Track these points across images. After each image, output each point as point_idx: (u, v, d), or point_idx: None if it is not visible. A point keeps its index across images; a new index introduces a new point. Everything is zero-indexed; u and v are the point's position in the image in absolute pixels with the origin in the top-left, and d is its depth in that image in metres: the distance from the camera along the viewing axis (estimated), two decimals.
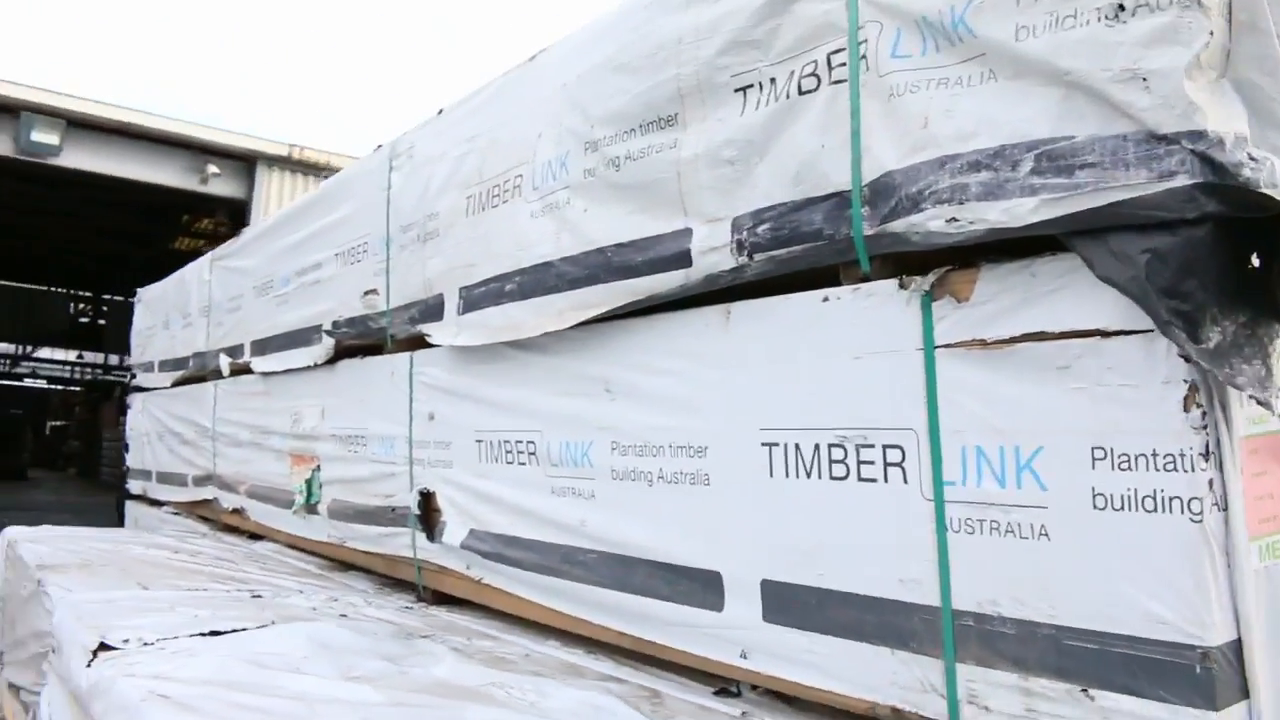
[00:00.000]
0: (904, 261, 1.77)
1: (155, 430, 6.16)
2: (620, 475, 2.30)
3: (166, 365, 5.98)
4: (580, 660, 2.37)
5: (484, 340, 2.71)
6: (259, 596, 3.01)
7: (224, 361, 4.78)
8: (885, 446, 1.76)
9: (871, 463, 1.78)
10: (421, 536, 3.10)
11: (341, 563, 3.76)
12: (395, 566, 3.32)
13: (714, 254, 2.05)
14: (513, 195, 2.68)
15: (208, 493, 5.12)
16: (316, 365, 3.80)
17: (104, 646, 2.21)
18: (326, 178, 11.93)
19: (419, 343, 3.20)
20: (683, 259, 2.11)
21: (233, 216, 11.71)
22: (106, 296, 22.97)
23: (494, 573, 2.75)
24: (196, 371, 5.38)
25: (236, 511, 4.68)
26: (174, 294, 5.98)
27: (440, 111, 3.19)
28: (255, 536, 4.65)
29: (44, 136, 9.91)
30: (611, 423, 2.33)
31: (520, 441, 2.64)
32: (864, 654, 1.79)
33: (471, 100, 3.00)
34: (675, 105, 2.14)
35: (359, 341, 3.57)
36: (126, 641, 2.26)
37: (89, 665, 2.14)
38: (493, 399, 2.77)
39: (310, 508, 3.82)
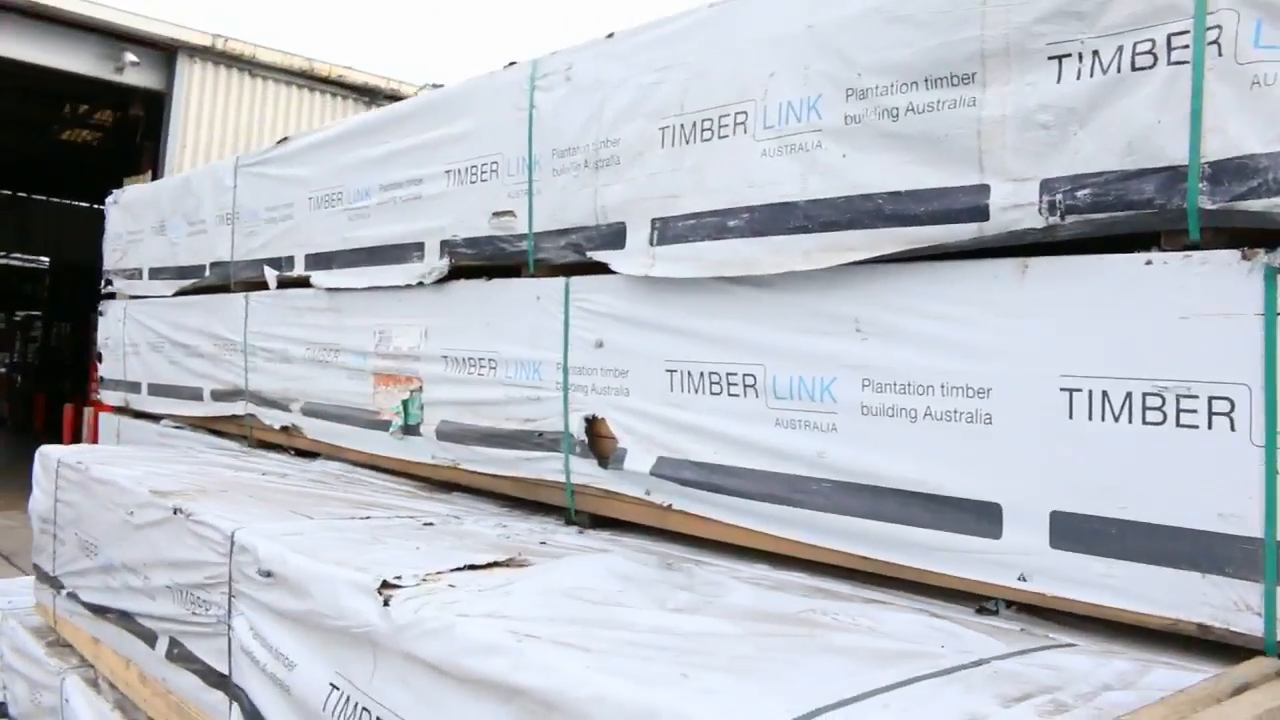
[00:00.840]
0: (1236, 232, 1.97)
1: (145, 340, 5.86)
2: (873, 411, 2.44)
3: (164, 273, 5.68)
4: (816, 582, 2.53)
5: (697, 273, 2.77)
6: (431, 524, 3.02)
7: (270, 274, 4.60)
8: (1211, 398, 1.96)
9: (1193, 411, 1.98)
10: (578, 461, 3.17)
11: (442, 484, 3.78)
12: (534, 489, 3.37)
13: (1016, 211, 2.19)
14: (733, 131, 2.72)
15: (236, 408, 4.96)
16: (422, 284, 3.74)
17: (387, 585, 2.20)
18: (253, 73, 11.33)
19: (571, 268, 3.23)
20: (976, 213, 2.24)
21: (149, 109, 10.93)
22: None
23: (688, 499, 2.86)
24: (215, 281, 5.14)
25: (285, 429, 4.57)
26: (173, 198, 5.65)
27: (610, 35, 3.16)
28: (303, 453, 4.57)
29: None
30: (863, 361, 2.46)
31: (734, 374, 2.74)
32: (1168, 577, 2.02)
33: (659, 29, 3.00)
34: (974, 65, 2.25)
35: (480, 263, 3.55)
36: (399, 578, 2.24)
37: (386, 604, 2.13)
38: (693, 330, 2.84)
39: (409, 429, 3.80)
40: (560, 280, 3.24)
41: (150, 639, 3.28)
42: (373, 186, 4.03)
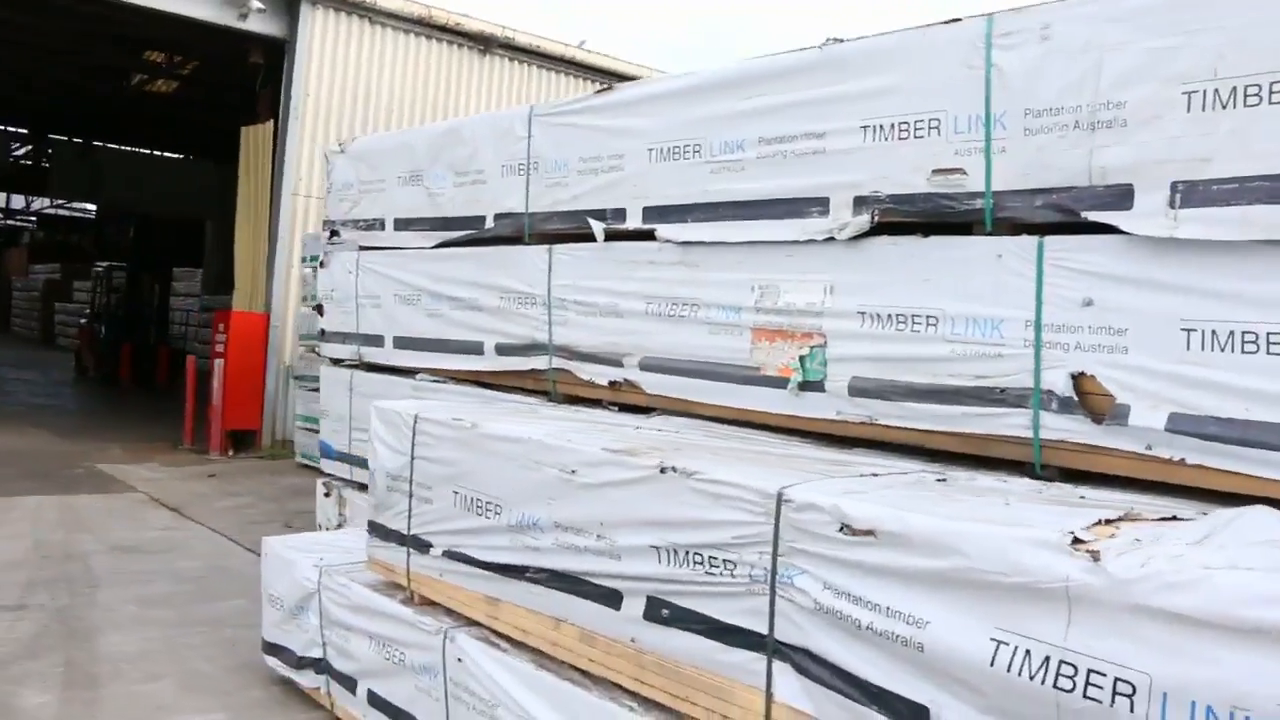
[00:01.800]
0: None
1: (391, 293, 5.83)
2: None
3: (419, 224, 5.64)
4: None
5: (1240, 236, 2.81)
6: (943, 480, 3.07)
7: (596, 226, 4.59)
8: None
9: None
10: (1051, 416, 3.22)
11: (841, 439, 3.82)
12: (982, 444, 3.41)
13: None
14: None
15: (535, 363, 4.96)
16: (831, 240, 3.74)
17: (1077, 540, 2.24)
18: (373, 20, 11.10)
19: (1039, 227, 3.25)
20: None
21: (270, 57, 10.68)
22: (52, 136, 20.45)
23: (1207, 453, 2.91)
24: (503, 233, 5.12)
25: (614, 384, 4.58)
26: (433, 148, 5.59)
27: None
28: (627, 408, 4.59)
29: None
30: None
31: (1276, 334, 2.79)
32: None
33: None
34: None
35: (911, 219, 3.57)
36: (1075, 534, 2.27)
37: (1096, 560, 2.17)
38: (1220, 290, 2.87)
39: (807, 385, 3.83)
40: (1029, 239, 3.27)
41: (610, 599, 3.29)
42: (748, 139, 4.02)
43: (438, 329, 5.53)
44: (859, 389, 3.70)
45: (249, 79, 11.40)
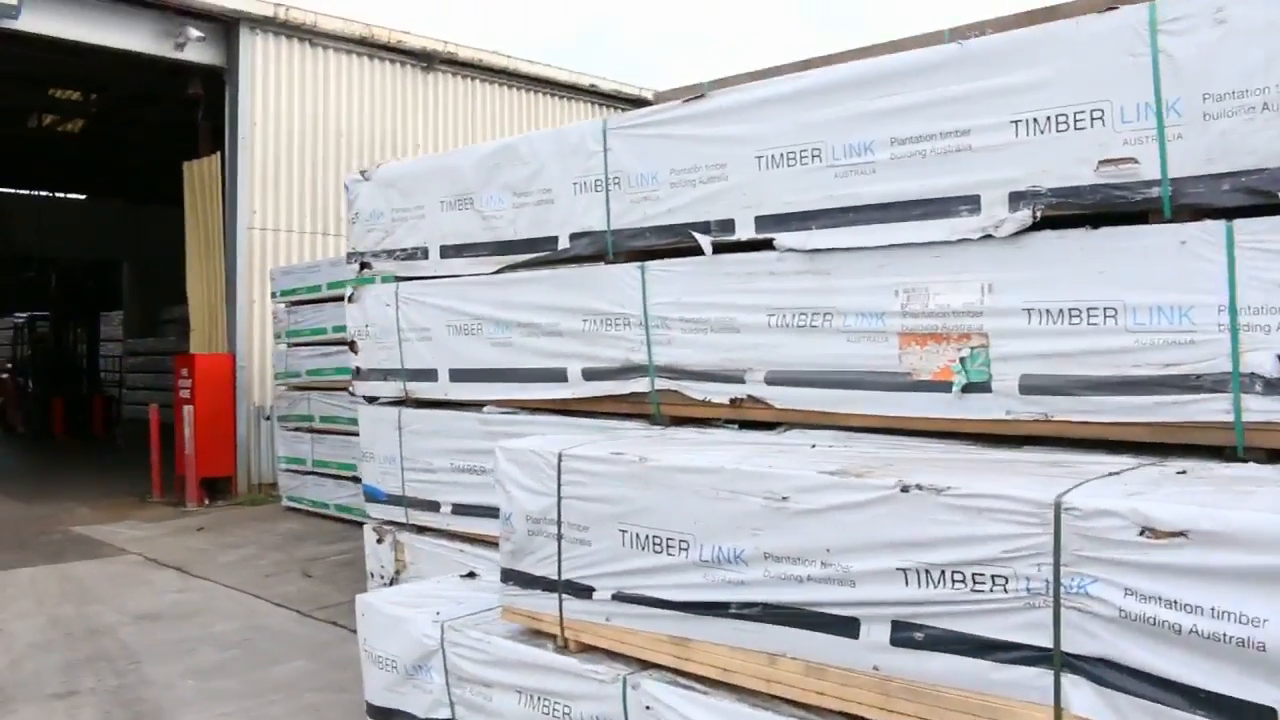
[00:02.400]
0: None
1: (443, 324, 5.54)
2: None
3: (473, 250, 5.40)
4: None
5: None
6: (1183, 472, 3.06)
7: (704, 240, 4.43)
8: None
9: None
10: (1254, 398, 3.24)
11: (1007, 438, 3.78)
12: (1174, 432, 3.41)
13: None
14: None
15: (633, 385, 4.77)
16: (988, 238, 3.69)
17: None
18: (314, 43, 10.58)
19: (1224, 212, 3.27)
20: None
21: (209, 87, 10.06)
22: None
23: None
24: (581, 253, 4.90)
25: (736, 402, 4.44)
26: (485, 170, 5.32)
27: None
28: (751, 425, 4.45)
29: None
30: None
31: None
32: None
33: None
34: None
35: (1076, 212, 3.55)
36: None
37: None
38: None
39: (971, 386, 3.77)
40: (1215, 223, 3.28)
41: (844, 627, 3.14)
42: (878, 141, 3.94)
43: (507, 358, 5.27)
44: (1031, 386, 3.66)
45: (169, 112, 10.76)
